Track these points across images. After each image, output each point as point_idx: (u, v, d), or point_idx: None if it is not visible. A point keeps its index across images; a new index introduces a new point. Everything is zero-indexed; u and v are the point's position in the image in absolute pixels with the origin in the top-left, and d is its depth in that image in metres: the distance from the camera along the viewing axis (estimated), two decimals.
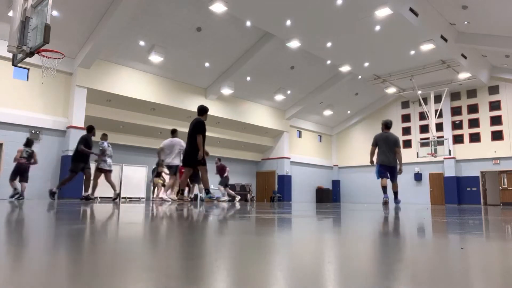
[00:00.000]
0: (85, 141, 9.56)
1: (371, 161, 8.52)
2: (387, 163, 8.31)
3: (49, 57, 9.81)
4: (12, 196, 10.47)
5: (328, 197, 25.39)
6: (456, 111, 22.71)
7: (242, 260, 0.92)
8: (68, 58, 13.87)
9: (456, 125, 22.60)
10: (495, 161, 21.08)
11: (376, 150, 8.40)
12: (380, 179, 8.39)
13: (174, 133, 10.24)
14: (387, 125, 8.57)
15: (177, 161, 9.75)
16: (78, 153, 9.53)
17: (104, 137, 10.19)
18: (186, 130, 18.74)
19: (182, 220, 2.54)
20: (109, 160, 10.01)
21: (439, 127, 22.25)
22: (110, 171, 10.01)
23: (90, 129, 9.81)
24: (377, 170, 8.44)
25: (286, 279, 0.71)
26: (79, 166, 9.51)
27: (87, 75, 14.34)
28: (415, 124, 24.16)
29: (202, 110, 7.78)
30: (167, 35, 14.62)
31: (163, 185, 12.88)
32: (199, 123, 7.47)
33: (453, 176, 22.03)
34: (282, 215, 3.40)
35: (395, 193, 8.46)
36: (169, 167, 9.92)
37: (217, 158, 15.51)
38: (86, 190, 9.75)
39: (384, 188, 8.28)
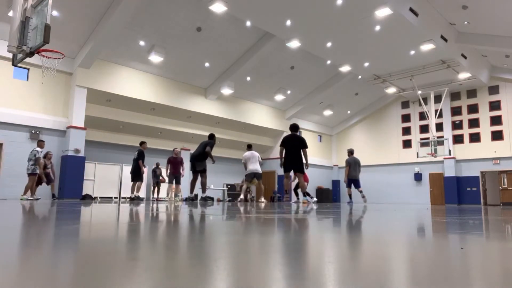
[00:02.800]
0: (212, 146, 10.69)
1: (346, 180, 12.47)
2: (355, 177, 12.45)
3: (49, 57, 9.82)
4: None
5: (328, 197, 25.38)
6: (456, 111, 22.71)
7: (242, 260, 0.92)
8: (68, 58, 13.87)
9: (456, 125, 22.60)
10: (495, 161, 21.08)
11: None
12: (348, 188, 12.46)
13: (250, 147, 11.81)
14: (352, 152, 12.87)
15: (260, 168, 11.43)
16: (204, 155, 10.45)
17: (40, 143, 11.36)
18: (186, 130, 18.87)
19: (183, 220, 2.54)
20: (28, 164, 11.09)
21: (439, 127, 22.25)
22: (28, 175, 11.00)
23: (212, 136, 11.00)
24: (348, 182, 12.43)
25: (286, 279, 0.71)
26: (204, 165, 10.55)
27: (87, 75, 14.34)
28: (415, 124, 24.15)
29: (296, 127, 9.48)
30: (167, 35, 14.62)
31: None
32: (304, 141, 9.27)
33: (453, 176, 22.03)
34: (282, 215, 3.40)
35: (361, 191, 12.27)
36: (258, 174, 11.33)
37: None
38: (204, 192, 10.76)
39: (350, 196, 12.42)
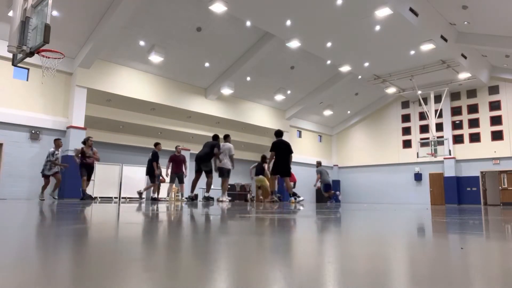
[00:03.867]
0: (219, 147, 10.66)
1: (317, 186, 15.39)
2: (329, 182, 15.16)
3: (49, 57, 9.81)
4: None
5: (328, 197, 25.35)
6: (456, 111, 22.71)
7: (242, 260, 0.92)
8: (68, 58, 13.86)
9: (456, 125, 22.60)
10: (495, 161, 21.07)
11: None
12: (326, 192, 15.17)
13: (227, 138, 11.17)
14: (320, 163, 15.42)
15: (229, 164, 10.77)
16: (211, 155, 10.41)
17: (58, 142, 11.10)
18: (186, 130, 18.87)
19: (183, 220, 2.54)
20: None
21: (439, 127, 22.25)
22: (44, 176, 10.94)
23: (217, 137, 10.96)
24: (325, 187, 15.12)
25: (286, 279, 0.71)
26: (211, 166, 10.51)
27: (87, 75, 14.33)
28: (415, 124, 24.15)
29: (282, 133, 10.26)
30: (167, 35, 14.62)
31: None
32: (290, 146, 10.09)
33: (453, 176, 22.03)
34: (282, 215, 3.40)
35: (330, 197, 15.25)
36: (220, 169, 10.76)
37: None
38: (208, 191, 10.65)
39: (330, 196, 15.31)
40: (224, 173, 10.75)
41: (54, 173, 10.95)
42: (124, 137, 17.61)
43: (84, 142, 11.09)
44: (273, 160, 9.99)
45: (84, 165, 10.91)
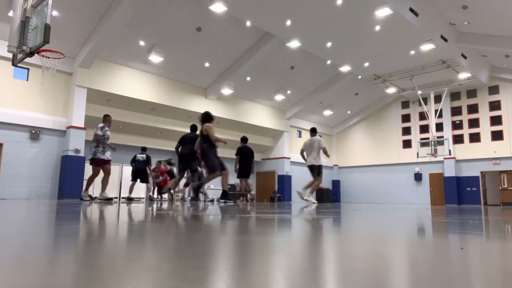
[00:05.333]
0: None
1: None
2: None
3: (49, 57, 9.82)
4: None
5: (328, 197, 25.37)
6: (456, 111, 22.71)
7: (242, 260, 0.92)
8: (68, 58, 13.86)
9: (456, 125, 22.60)
10: (495, 161, 21.08)
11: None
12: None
13: (314, 131, 10.54)
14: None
15: (319, 160, 10.21)
16: (195, 152, 9.60)
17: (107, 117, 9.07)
18: (186, 130, 18.82)
19: (182, 220, 2.54)
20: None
21: (439, 127, 22.25)
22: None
23: (196, 128, 9.82)
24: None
25: (286, 279, 0.71)
26: (197, 164, 10.12)
27: (87, 75, 14.33)
28: (415, 124, 24.16)
29: (246, 139, 11.42)
30: (167, 35, 14.62)
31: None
32: (253, 152, 11.33)
33: (453, 176, 22.03)
34: (282, 215, 3.40)
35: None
36: (311, 167, 10.21)
37: None
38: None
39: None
40: (315, 171, 10.16)
41: (106, 160, 8.68)
42: (124, 137, 17.61)
43: (208, 119, 8.21)
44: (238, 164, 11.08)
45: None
